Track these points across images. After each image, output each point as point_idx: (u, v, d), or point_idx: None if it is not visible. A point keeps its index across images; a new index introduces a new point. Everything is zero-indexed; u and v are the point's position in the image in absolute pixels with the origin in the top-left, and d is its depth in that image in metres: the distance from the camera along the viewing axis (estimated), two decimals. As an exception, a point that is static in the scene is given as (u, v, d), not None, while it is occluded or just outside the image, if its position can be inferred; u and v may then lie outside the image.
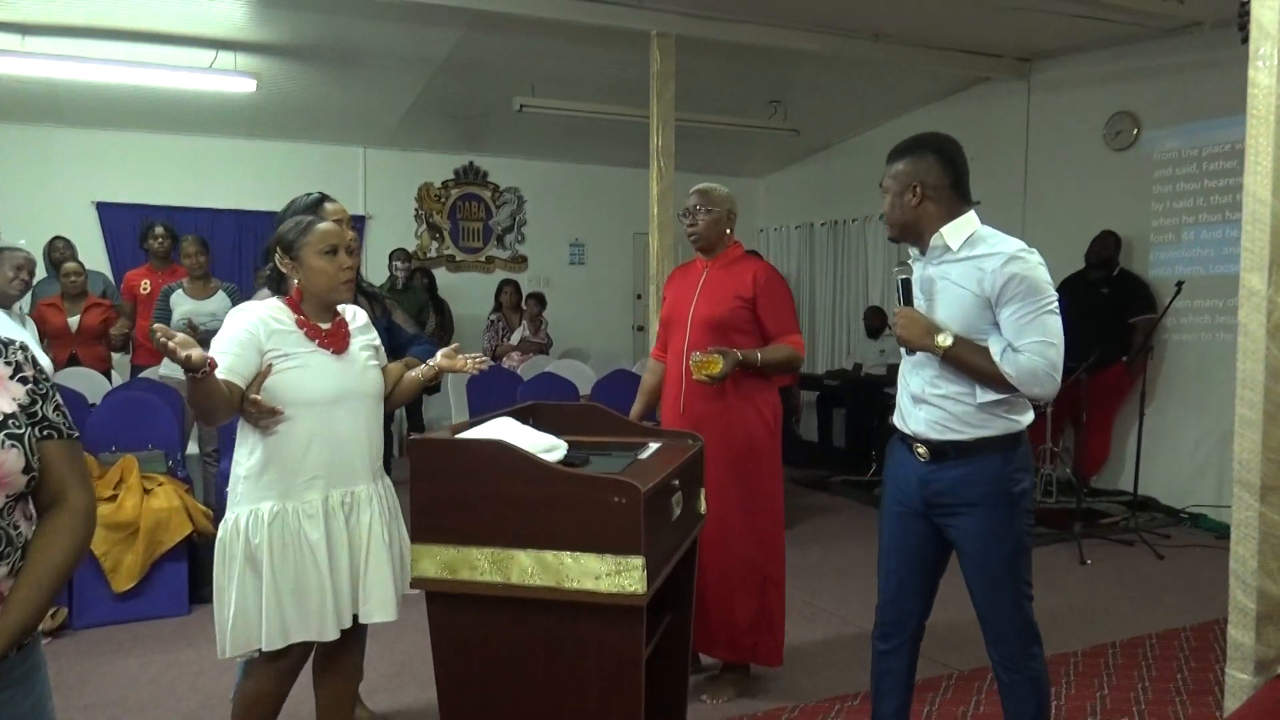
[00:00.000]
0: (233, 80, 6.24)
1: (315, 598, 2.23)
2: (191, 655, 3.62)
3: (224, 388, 2.10)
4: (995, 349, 2.12)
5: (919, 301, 2.28)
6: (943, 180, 2.23)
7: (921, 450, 2.26)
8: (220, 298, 5.02)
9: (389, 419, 7.23)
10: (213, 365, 1.99)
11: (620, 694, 1.74)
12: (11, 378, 1.49)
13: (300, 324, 2.29)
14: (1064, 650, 3.63)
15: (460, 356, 2.54)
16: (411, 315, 6.84)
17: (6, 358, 1.50)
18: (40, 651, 1.50)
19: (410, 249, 8.12)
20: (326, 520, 2.25)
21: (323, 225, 2.35)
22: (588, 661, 1.75)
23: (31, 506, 1.48)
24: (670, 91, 5.59)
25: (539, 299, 7.87)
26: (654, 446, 2.20)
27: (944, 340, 2.14)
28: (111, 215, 7.62)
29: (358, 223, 8.34)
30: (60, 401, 1.53)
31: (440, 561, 1.78)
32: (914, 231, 2.28)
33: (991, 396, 2.16)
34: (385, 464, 2.55)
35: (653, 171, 5.57)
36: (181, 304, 4.92)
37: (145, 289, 5.73)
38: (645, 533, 1.68)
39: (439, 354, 2.56)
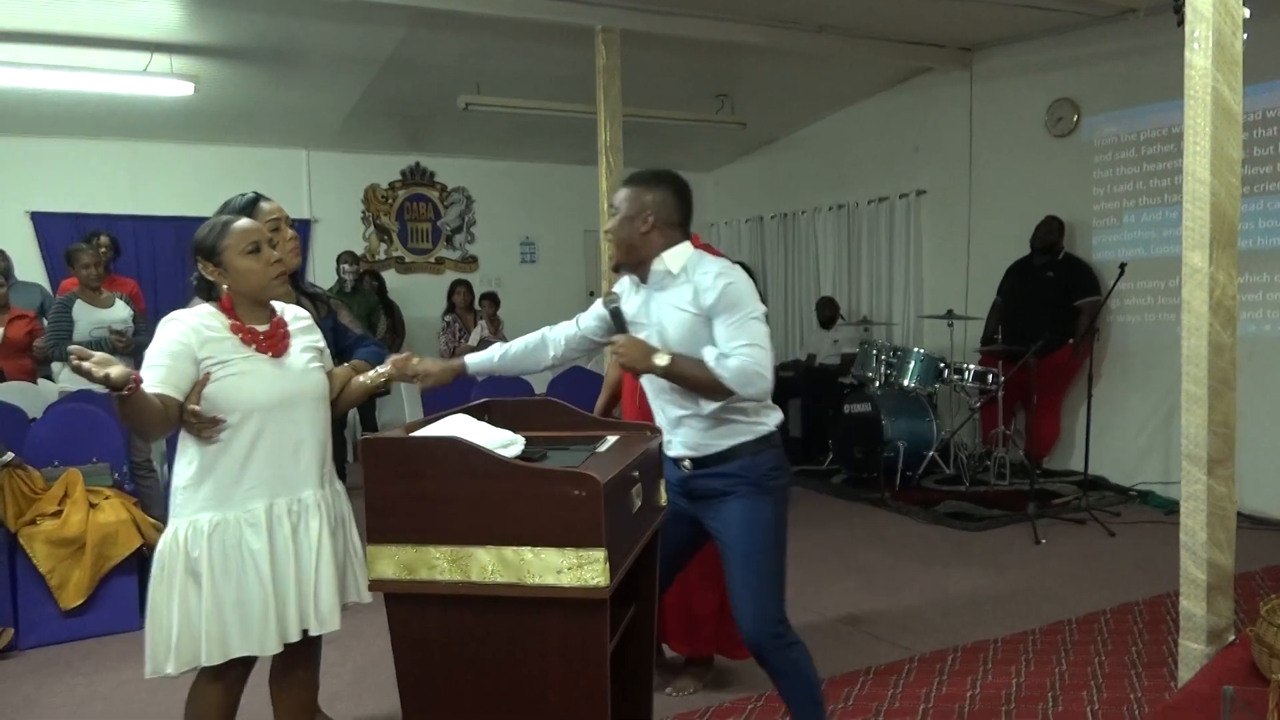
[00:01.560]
0: (169, 84, 6.09)
1: (258, 610, 2.16)
2: (141, 673, 3.52)
3: (157, 402, 2.02)
4: (709, 357, 2.28)
5: (645, 326, 2.43)
6: (674, 217, 2.41)
7: (686, 465, 2.45)
8: (120, 306, 4.93)
9: (341, 424, 7.12)
10: (137, 381, 1.92)
11: (585, 688, 1.73)
12: None
13: (235, 329, 2.21)
14: (1022, 629, 3.68)
15: (412, 362, 2.49)
16: (362, 319, 6.79)
17: None
18: None
19: (358, 252, 8.01)
20: (270, 530, 2.18)
21: (239, 224, 2.26)
22: (552, 657, 1.73)
23: None
24: (616, 87, 5.58)
25: (493, 298, 7.82)
26: (612, 439, 2.19)
27: (661, 360, 2.27)
28: (47, 225, 7.41)
29: (303, 226, 8.21)
30: None
31: (398, 562, 1.74)
32: (637, 255, 2.42)
33: (715, 404, 2.33)
34: (339, 469, 2.49)
35: (601, 168, 5.56)
36: (83, 314, 4.80)
37: (83, 299, 5.58)
38: (606, 525, 1.67)
39: (388, 360, 2.51)
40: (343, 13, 5.51)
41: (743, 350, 2.25)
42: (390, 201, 8.81)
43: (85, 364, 1.79)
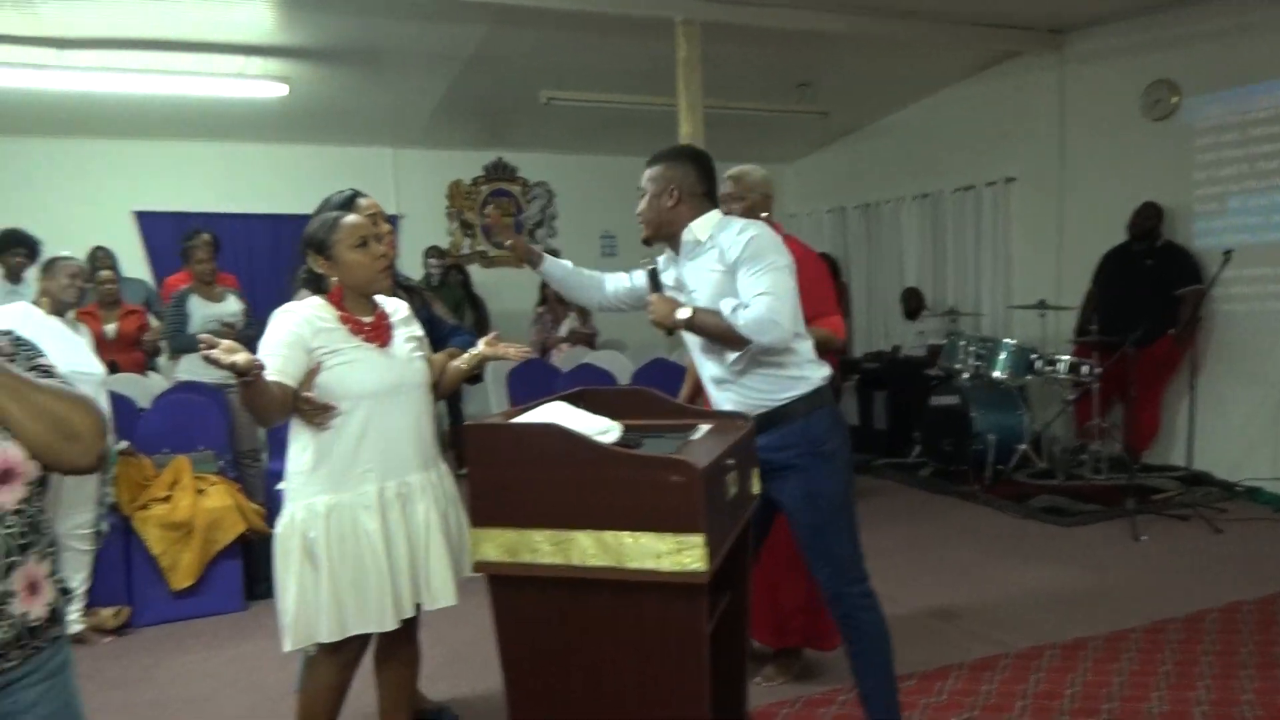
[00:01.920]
0: (264, 86, 6.30)
1: (374, 588, 2.26)
2: (249, 650, 3.67)
3: (276, 389, 2.12)
4: (726, 308, 2.32)
5: (672, 291, 2.49)
6: (698, 188, 2.45)
7: None
8: (232, 300, 5.08)
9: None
10: (261, 367, 2.01)
11: (684, 672, 1.74)
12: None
13: (344, 320, 2.32)
14: (1123, 627, 3.57)
15: (502, 344, 2.58)
16: (448, 312, 6.92)
17: (9, 352, 1.48)
18: (69, 649, 1.52)
19: (443, 247, 8.16)
20: (383, 511, 2.28)
21: (349, 219, 2.37)
22: (651, 640, 1.75)
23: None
24: (696, 79, 5.56)
25: None
26: (705, 428, 2.19)
27: (684, 314, 2.34)
28: (150, 223, 7.73)
29: (389, 223, 8.39)
30: (48, 366, 1.50)
31: (500, 545, 1.78)
32: (667, 231, 2.47)
33: (735, 355, 2.35)
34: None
35: (684, 159, 5.55)
36: (199, 309, 4.97)
37: (187, 294, 5.81)
38: (704, 511, 1.67)
39: (480, 342, 2.60)
40: (427, 12, 5.61)
41: (760, 300, 2.27)
42: (474, 197, 8.95)
43: (213, 352, 1.88)
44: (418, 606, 2.35)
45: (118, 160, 7.62)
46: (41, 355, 1.52)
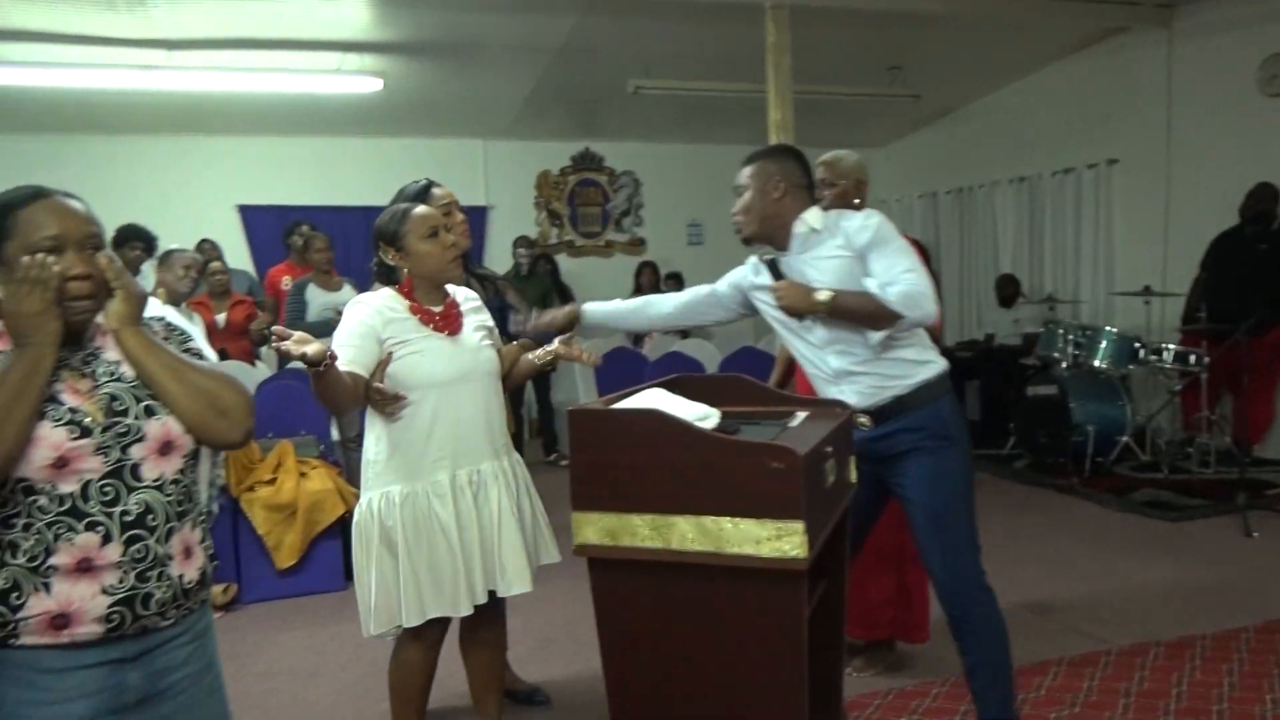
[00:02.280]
0: (360, 81, 6.47)
1: (449, 574, 2.30)
2: (350, 628, 3.77)
3: (348, 379, 2.15)
4: (872, 287, 2.29)
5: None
6: (801, 180, 2.45)
7: (864, 420, 2.40)
8: (348, 289, 5.19)
9: (518, 402, 7.37)
10: (332, 358, 2.04)
11: (782, 657, 1.74)
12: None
13: (414, 310, 2.35)
14: (1232, 626, 3.44)
15: (576, 347, 2.57)
16: (536, 302, 6.99)
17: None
18: (211, 614, 1.64)
19: (531, 236, 8.27)
20: (455, 499, 2.32)
21: (419, 210, 2.40)
22: (749, 626, 1.75)
23: (206, 466, 1.59)
24: (786, 64, 5.50)
25: (677, 279, 7.90)
26: (802, 415, 2.18)
27: (824, 295, 2.29)
28: (252, 217, 8.02)
29: (479, 214, 8.53)
30: (199, 348, 1.63)
31: (601, 528, 1.80)
32: (774, 224, 2.44)
33: (881, 335, 2.31)
34: (516, 445, 2.60)
35: (773, 146, 5.50)
36: (316, 297, 5.12)
37: (286, 284, 6.01)
38: (804, 498, 1.67)
39: (555, 340, 2.58)
40: (518, 4, 5.68)
41: (906, 276, 2.26)
42: (561, 187, 9.04)
43: (285, 344, 1.91)
44: (492, 593, 2.38)
45: (222, 156, 7.93)
46: (191, 340, 1.63)
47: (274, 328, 1.97)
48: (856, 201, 3.15)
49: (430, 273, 2.37)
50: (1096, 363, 5.83)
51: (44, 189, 1.45)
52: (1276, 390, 5.83)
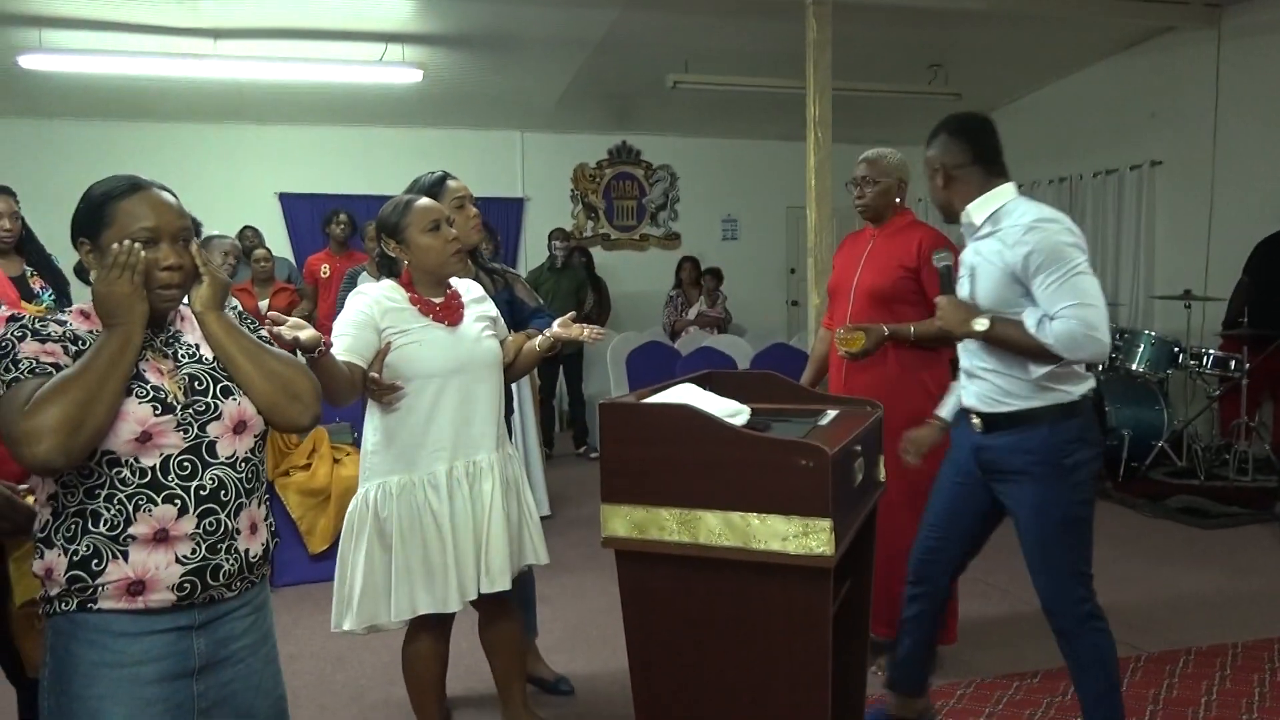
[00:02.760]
0: (401, 72, 6.53)
1: (439, 570, 2.28)
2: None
3: (344, 368, 2.13)
4: (1030, 322, 2.18)
5: (963, 282, 2.37)
6: (961, 159, 2.32)
7: (975, 421, 2.37)
8: None
9: (550, 393, 7.38)
10: (327, 345, 2.03)
11: (807, 654, 1.75)
12: None
13: (413, 301, 2.33)
14: (1266, 636, 3.40)
15: (576, 326, 2.52)
16: (570, 294, 7.04)
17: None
18: (269, 589, 1.69)
19: (567, 229, 8.31)
20: (451, 492, 2.30)
21: (421, 202, 2.36)
22: (775, 621, 1.77)
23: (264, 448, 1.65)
24: (826, 60, 5.47)
25: (715, 274, 7.91)
26: (832, 413, 2.19)
27: (980, 325, 2.23)
28: (292, 205, 8.14)
29: (515, 205, 8.60)
30: (266, 337, 1.69)
31: (630, 521, 1.83)
32: (950, 212, 2.38)
33: (1044, 369, 2.21)
34: (548, 438, 2.60)
35: (810, 142, 5.48)
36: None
37: (325, 272, 6.10)
38: (832, 495, 1.68)
39: (555, 324, 2.54)
40: (559, -2, 5.71)
41: (1069, 311, 2.11)
42: (598, 180, 9.06)
43: (279, 329, 1.91)
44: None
45: (263, 145, 8.05)
46: (259, 327, 1.70)
47: (269, 313, 1.98)
48: (898, 200, 3.15)
49: (430, 266, 2.34)
50: (1134, 366, 5.76)
51: (140, 180, 1.52)
52: (1319, 399, 5.74)
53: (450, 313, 2.37)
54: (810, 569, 1.71)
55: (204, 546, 1.49)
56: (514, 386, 3.01)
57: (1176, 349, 5.69)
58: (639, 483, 1.81)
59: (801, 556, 1.70)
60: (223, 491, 1.52)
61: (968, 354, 2.38)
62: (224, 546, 1.52)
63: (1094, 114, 7.56)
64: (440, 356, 2.30)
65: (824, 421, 2.11)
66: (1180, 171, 6.88)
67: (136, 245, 1.44)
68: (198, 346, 1.58)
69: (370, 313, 2.27)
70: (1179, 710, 2.86)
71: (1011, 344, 2.21)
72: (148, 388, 1.48)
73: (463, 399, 2.33)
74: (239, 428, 1.55)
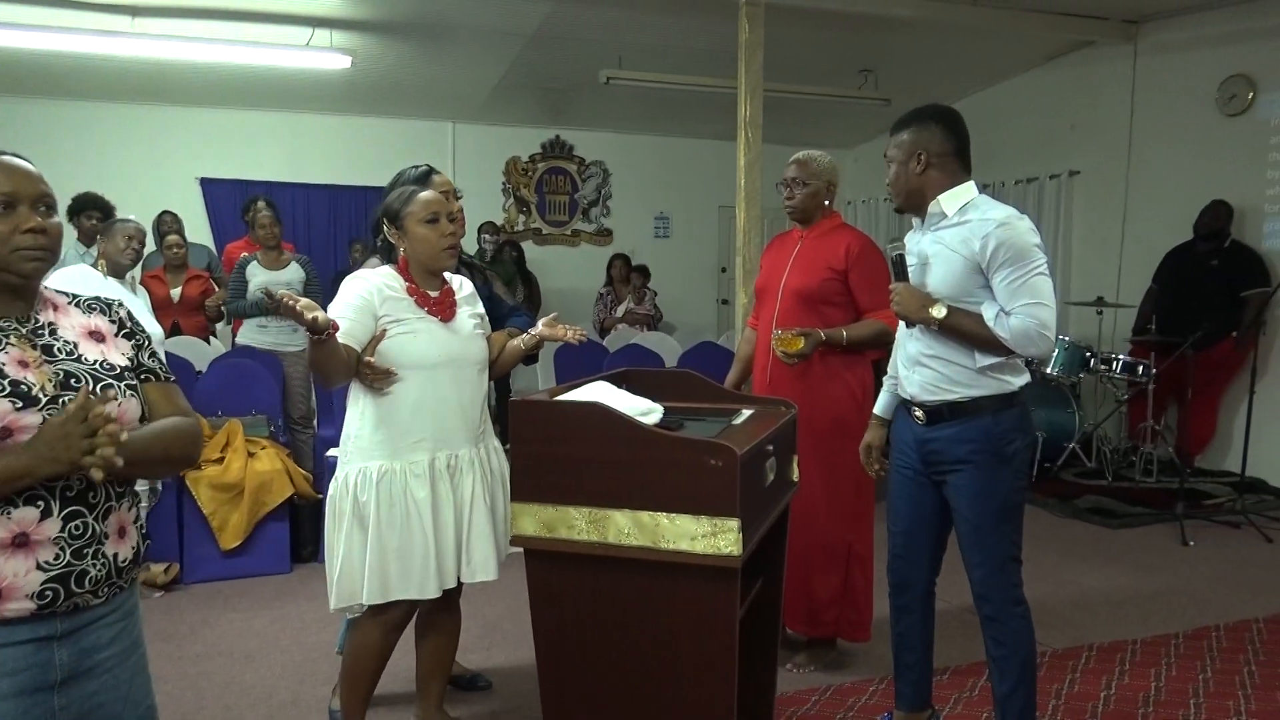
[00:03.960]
0: (329, 57, 6.39)
1: (419, 556, 2.31)
2: (294, 611, 3.77)
3: (343, 351, 2.20)
4: (988, 314, 2.23)
5: (916, 267, 2.40)
6: (945, 148, 2.35)
7: (919, 413, 2.40)
8: (294, 268, 5.11)
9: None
10: (335, 328, 2.08)
11: (714, 653, 1.76)
12: (118, 334, 1.58)
13: (411, 291, 2.38)
14: (1164, 631, 3.53)
15: (560, 326, 2.60)
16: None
17: (111, 316, 1.60)
18: (139, 594, 1.61)
19: (498, 222, 8.24)
20: (433, 481, 2.33)
21: (424, 194, 2.42)
22: (682, 621, 1.77)
23: None
24: (758, 61, 5.51)
25: (643, 271, 7.92)
26: (747, 413, 2.21)
27: (938, 312, 2.26)
28: (214, 190, 7.92)
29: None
30: (155, 350, 1.63)
31: (539, 520, 1.82)
32: (917, 199, 2.39)
33: (990, 360, 2.27)
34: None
35: (740, 143, 5.52)
36: (257, 274, 5.03)
37: (246, 260, 5.95)
38: (741, 495, 1.69)
39: (540, 323, 2.63)
40: (494, -13, 5.65)
41: (1026, 309, 2.19)
42: (530, 174, 9.00)
43: (296, 305, 1.95)
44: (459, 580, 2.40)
45: (185, 128, 7.82)
46: (149, 337, 1.63)
47: (281, 291, 2.00)
48: (827, 203, 3.19)
49: (423, 257, 2.39)
50: (1048, 370, 5.93)
51: None
52: (1220, 404, 5.97)
53: (445, 308, 2.42)
54: (718, 568, 1.72)
55: (69, 552, 1.40)
56: None
57: (1089, 354, 5.87)
58: (549, 481, 1.80)
59: (709, 556, 1.71)
60: (91, 493, 1.43)
61: (915, 341, 2.38)
62: (90, 551, 1.43)
63: (1017, 124, 7.75)
64: (433, 349, 2.35)
65: (738, 421, 2.12)
66: (1097, 182, 7.10)
67: None
68: (76, 345, 1.50)
69: (370, 298, 2.31)
70: (1079, 705, 2.95)
71: (965, 333, 2.26)
72: (5, 382, 1.38)
73: (450, 392, 2.37)
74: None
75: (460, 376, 2.40)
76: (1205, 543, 4.69)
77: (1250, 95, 5.97)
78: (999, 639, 2.40)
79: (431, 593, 2.34)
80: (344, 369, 2.22)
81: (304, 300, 1.99)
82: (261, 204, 5.32)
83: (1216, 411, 5.98)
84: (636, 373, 2.36)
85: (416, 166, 2.80)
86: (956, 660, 3.25)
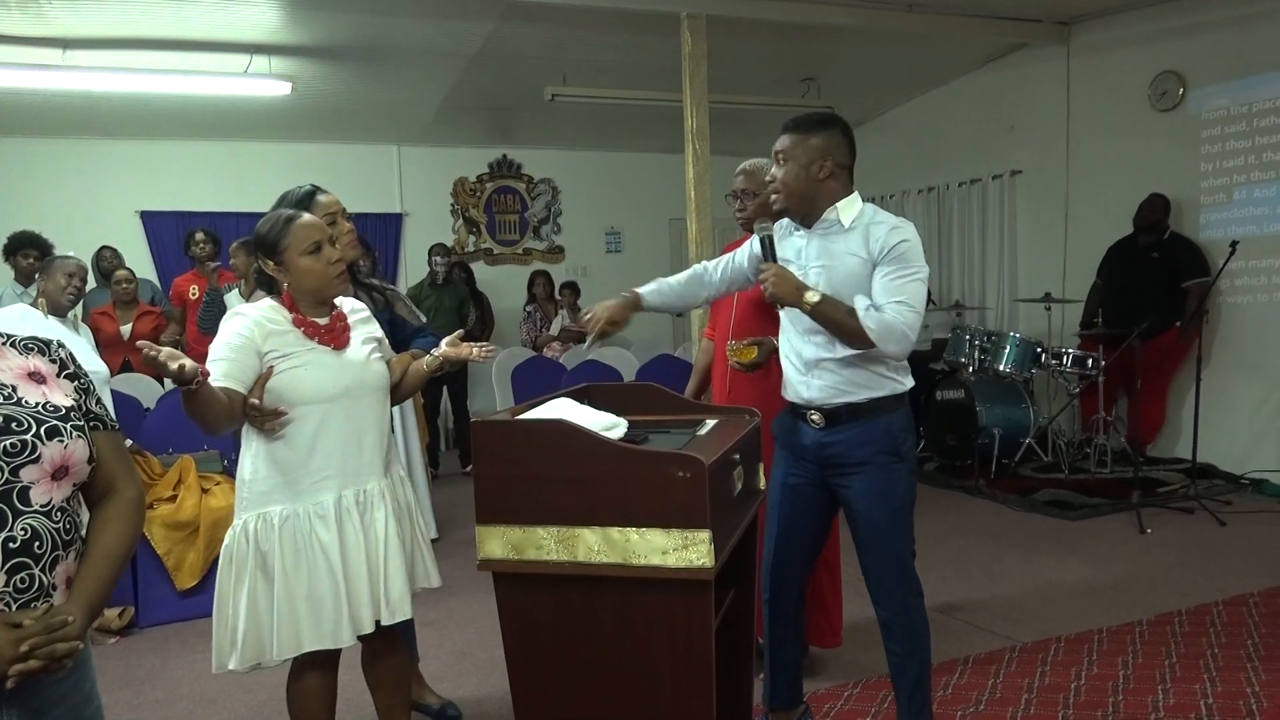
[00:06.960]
0: (268, 84, 6.30)
1: (329, 603, 2.15)
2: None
3: (222, 396, 2.02)
4: (860, 306, 2.27)
5: (803, 270, 2.39)
6: (846, 160, 2.37)
7: (815, 417, 2.42)
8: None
9: (435, 411, 7.21)
10: (205, 375, 1.92)
11: (691, 667, 1.74)
12: (59, 375, 1.53)
13: (297, 323, 2.21)
14: (1128, 620, 3.57)
15: (465, 345, 2.43)
16: (453, 310, 6.92)
17: (50, 356, 1.54)
18: (90, 644, 1.54)
19: (448, 244, 8.17)
20: (339, 521, 2.18)
21: (301, 221, 2.22)
22: (657, 636, 1.75)
23: (81, 497, 1.51)
24: (702, 73, 5.55)
25: (573, 287, 7.90)
26: (711, 423, 2.19)
27: (811, 297, 2.27)
28: (155, 223, 7.76)
29: (394, 220, 8.41)
30: (100, 396, 1.57)
31: (506, 542, 1.78)
32: (808, 204, 2.37)
33: (847, 352, 2.32)
34: (433, 457, 2.52)
35: (688, 155, 5.55)
36: (236, 303, 4.95)
37: (194, 294, 5.83)
38: (710, 506, 1.67)
39: (443, 343, 2.45)
40: (434, 9, 5.61)
41: (897, 307, 2.23)
42: (478, 194, 8.95)
43: (158, 357, 1.78)
44: (377, 622, 2.24)
45: (123, 160, 7.66)
46: (87, 378, 1.56)
47: (140, 342, 1.84)
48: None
49: (311, 289, 2.22)
50: (1001, 367, 6.02)
51: None
52: (1169, 392, 6.10)
53: (336, 335, 2.24)
54: (691, 582, 1.70)
55: (14, 606, 1.34)
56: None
57: (1039, 349, 5.97)
58: (514, 502, 1.77)
59: (682, 569, 1.69)
60: (37, 544, 1.37)
61: (814, 347, 2.39)
62: (38, 605, 1.37)
63: (957, 126, 7.89)
64: (326, 381, 2.18)
65: (703, 432, 2.11)
66: (1038, 181, 7.25)
67: None
68: (15, 388, 1.43)
69: (250, 335, 2.13)
70: (1052, 696, 2.98)
71: (834, 321, 2.28)
72: None
73: (350, 424, 2.21)
74: (60, 473, 1.40)
75: (359, 406, 2.24)
76: (1162, 529, 4.77)
77: (1180, 91, 6.13)
78: (901, 632, 2.46)
79: (345, 640, 2.18)
80: (226, 415, 2.03)
81: (166, 349, 1.80)
82: (200, 234, 5.22)
83: (1165, 400, 6.11)
84: (598, 388, 2.33)
85: (300, 186, 2.62)
86: (933, 659, 3.25)
